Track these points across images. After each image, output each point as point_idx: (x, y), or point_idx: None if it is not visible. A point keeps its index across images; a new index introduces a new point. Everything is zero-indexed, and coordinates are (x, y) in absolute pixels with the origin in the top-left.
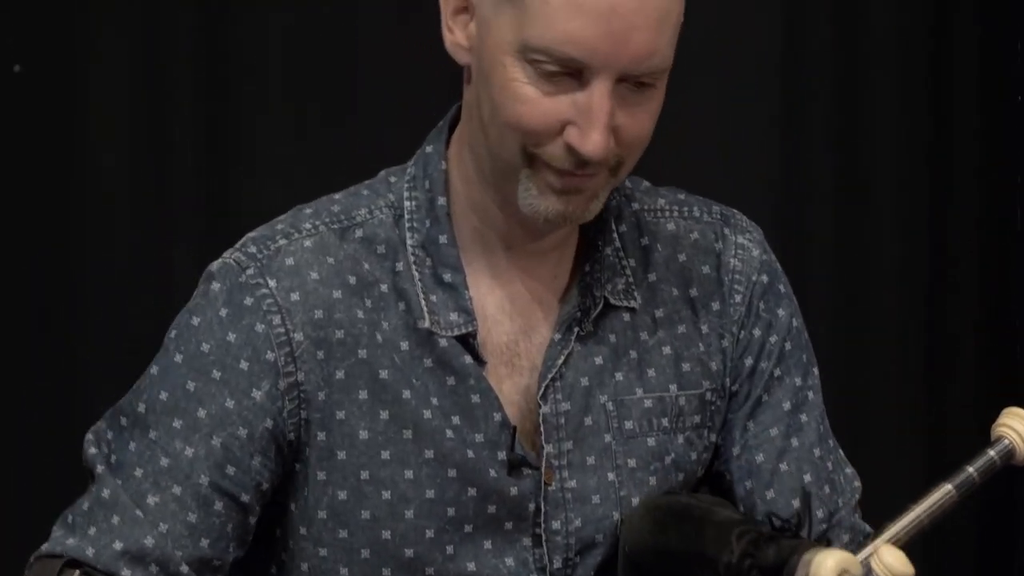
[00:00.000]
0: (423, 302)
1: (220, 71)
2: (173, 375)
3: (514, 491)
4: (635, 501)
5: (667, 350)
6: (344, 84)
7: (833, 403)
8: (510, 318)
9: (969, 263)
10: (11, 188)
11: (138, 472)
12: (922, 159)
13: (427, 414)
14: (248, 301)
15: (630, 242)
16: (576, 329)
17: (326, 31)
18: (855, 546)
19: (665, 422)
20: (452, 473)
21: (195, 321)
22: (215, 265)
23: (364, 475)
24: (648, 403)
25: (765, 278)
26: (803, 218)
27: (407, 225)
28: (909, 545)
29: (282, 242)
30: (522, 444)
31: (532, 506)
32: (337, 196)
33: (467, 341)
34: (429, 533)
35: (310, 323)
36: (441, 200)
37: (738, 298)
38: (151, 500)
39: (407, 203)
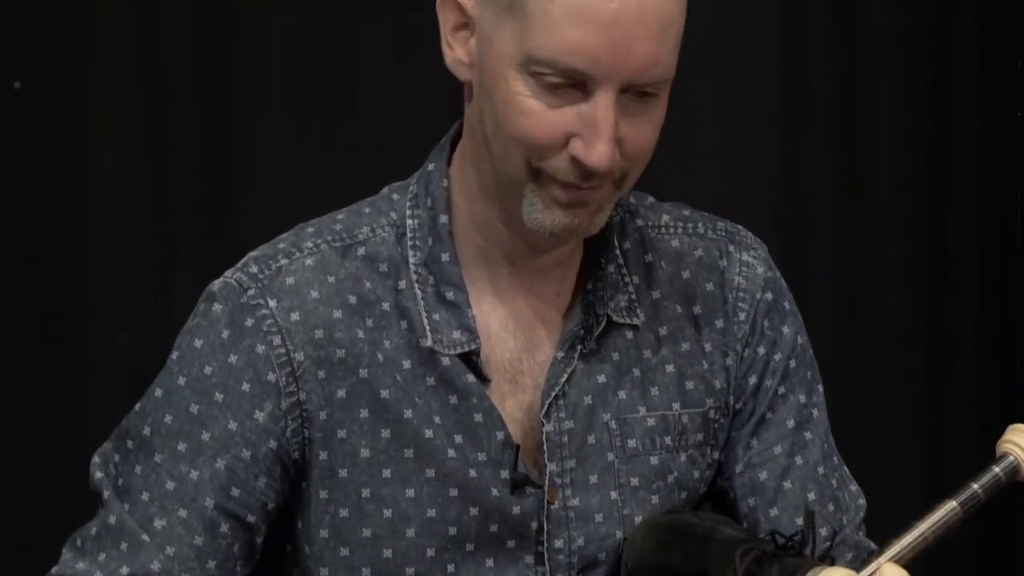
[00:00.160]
0: (425, 320)
1: (220, 71)
2: (177, 398)
3: (516, 510)
4: (638, 519)
5: (670, 368)
6: (344, 84)
7: (833, 403)
8: (513, 336)
9: (969, 263)
10: (11, 188)
11: (144, 496)
12: (922, 159)
13: (429, 433)
14: (249, 322)
15: (633, 259)
16: (579, 347)
17: (326, 31)
18: (859, 564)
19: (668, 440)
20: (454, 492)
21: (197, 343)
22: (216, 284)
23: (365, 493)
24: (651, 421)
25: (769, 296)
26: (803, 218)
27: (409, 243)
28: (912, 563)
29: (283, 261)
30: (525, 462)
31: (535, 524)
32: (339, 214)
33: (470, 359)
34: (430, 552)
35: (311, 343)
36: (443, 218)
37: (742, 316)
38: (158, 523)
39: (409, 221)
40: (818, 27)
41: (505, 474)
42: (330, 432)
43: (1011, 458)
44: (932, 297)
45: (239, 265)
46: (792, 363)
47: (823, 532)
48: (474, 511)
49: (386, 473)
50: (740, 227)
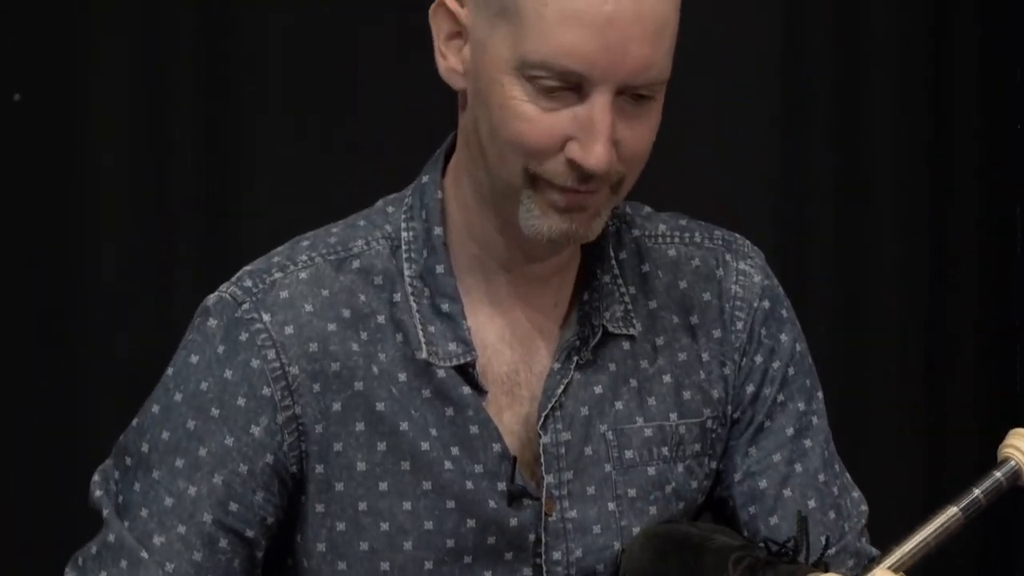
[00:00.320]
0: (420, 333)
1: (220, 71)
2: (174, 414)
3: (514, 522)
4: (636, 531)
5: (667, 378)
6: (344, 84)
7: (833, 403)
8: (510, 347)
9: (969, 263)
10: (11, 188)
11: (143, 512)
12: (922, 159)
13: (425, 445)
14: (243, 337)
15: (630, 269)
16: (575, 358)
17: (326, 31)
18: (859, 571)
19: (665, 451)
20: (451, 504)
21: (193, 359)
22: (211, 299)
23: (362, 506)
24: (648, 432)
25: (767, 304)
26: (803, 218)
27: (404, 256)
28: (913, 569)
29: (277, 275)
30: (522, 474)
31: (532, 537)
32: (335, 228)
33: (466, 371)
34: (428, 564)
35: (305, 356)
36: (437, 230)
37: (739, 325)
38: (157, 540)
39: (404, 234)
40: (818, 27)
41: (502, 486)
42: (326, 445)
43: (1012, 463)
44: (932, 297)
45: (233, 279)
46: (791, 371)
47: (824, 539)
48: (471, 523)
49: (383, 486)
50: (737, 235)
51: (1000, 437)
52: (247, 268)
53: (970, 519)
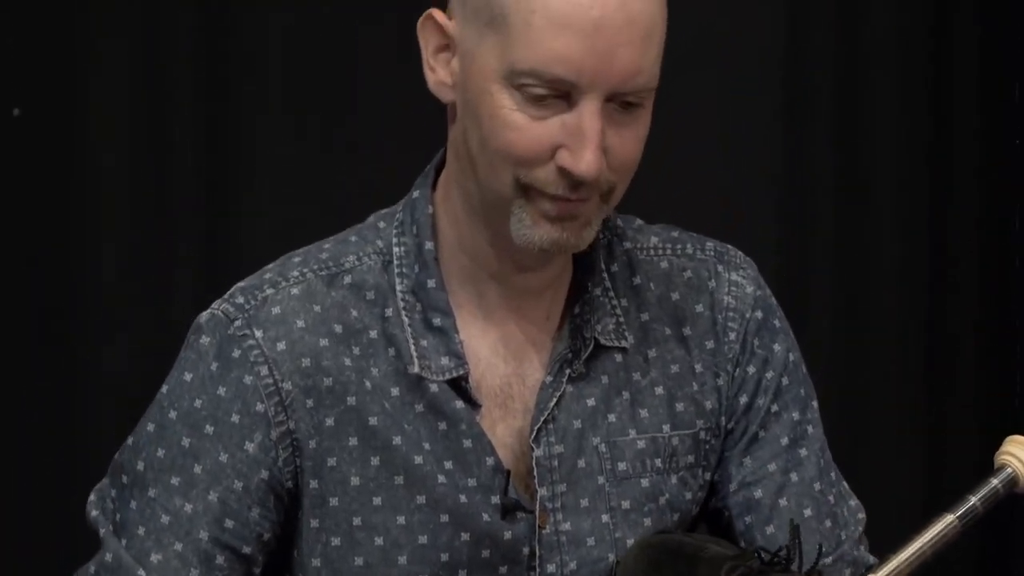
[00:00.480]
0: (413, 347)
1: (220, 71)
2: (169, 432)
3: (508, 535)
4: (630, 542)
5: (660, 390)
6: (344, 84)
7: (833, 403)
8: (504, 360)
9: (969, 263)
10: (11, 188)
11: (140, 531)
12: (922, 159)
13: (418, 459)
14: (236, 353)
15: (621, 281)
16: (567, 371)
17: (326, 31)
18: None
19: (658, 462)
20: (445, 518)
21: (187, 377)
22: (203, 317)
23: (356, 521)
24: (641, 444)
25: (759, 314)
26: (805, 213)
27: (396, 271)
28: None
29: (269, 291)
30: (515, 488)
31: (526, 550)
32: (326, 243)
33: (458, 385)
34: None
35: (298, 371)
36: (428, 244)
37: (732, 336)
38: (154, 558)
39: (396, 249)
40: (820, 22)
41: (496, 499)
42: (320, 461)
43: (1009, 470)
44: (932, 297)
45: (226, 296)
46: (784, 380)
47: (821, 548)
48: (465, 536)
49: (377, 500)
50: (729, 246)
51: (1000, 437)
52: (239, 285)
53: (967, 527)
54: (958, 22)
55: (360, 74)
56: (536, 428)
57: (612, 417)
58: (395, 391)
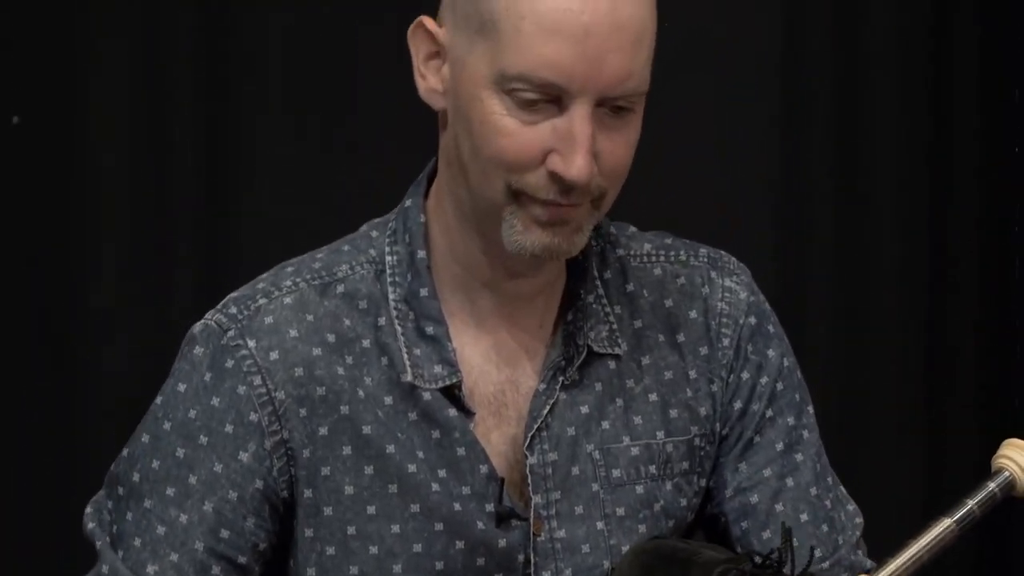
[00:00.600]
0: (406, 355)
1: (220, 71)
2: (164, 443)
3: (503, 543)
4: (625, 549)
5: (653, 397)
6: (344, 84)
7: (833, 403)
8: (497, 368)
9: (969, 263)
10: (11, 188)
11: (136, 542)
12: (922, 159)
13: (412, 467)
14: (229, 363)
15: (614, 289)
16: (561, 378)
17: (326, 31)
18: None
19: (653, 469)
20: (439, 527)
21: (181, 388)
22: (197, 327)
23: (351, 530)
24: (635, 451)
25: (753, 320)
26: (803, 218)
27: (389, 280)
28: None
29: (262, 301)
30: (510, 495)
31: (521, 557)
32: (319, 253)
33: (451, 393)
34: None
35: (291, 381)
36: (421, 253)
37: (726, 342)
38: (150, 569)
39: (388, 258)
40: (818, 27)
41: (490, 507)
42: (314, 470)
43: (1006, 473)
44: (932, 297)
45: (219, 306)
46: (779, 386)
47: (818, 553)
48: (460, 544)
49: (371, 509)
50: (723, 252)
51: (1000, 438)
52: (232, 295)
53: (964, 531)
54: (958, 22)
55: (360, 74)
56: (530, 436)
57: (606, 424)
58: (388, 400)
